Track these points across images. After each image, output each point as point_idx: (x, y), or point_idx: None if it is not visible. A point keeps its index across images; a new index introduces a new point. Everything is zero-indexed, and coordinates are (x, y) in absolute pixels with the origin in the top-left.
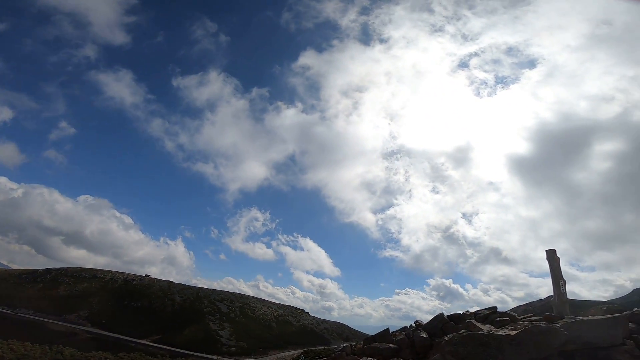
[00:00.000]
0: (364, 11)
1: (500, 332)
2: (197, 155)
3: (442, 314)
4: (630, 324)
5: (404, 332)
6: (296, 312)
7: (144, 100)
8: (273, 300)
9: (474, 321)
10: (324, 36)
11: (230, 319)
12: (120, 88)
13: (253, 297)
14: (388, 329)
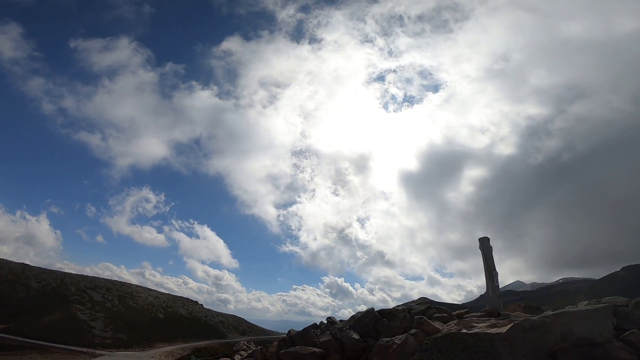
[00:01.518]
0: (305, 9)
1: (487, 331)
2: (82, 123)
3: (373, 309)
4: None
5: (328, 332)
6: (188, 304)
7: (28, 57)
8: (162, 290)
9: (424, 317)
10: (255, 25)
11: (105, 308)
12: (2, 41)
13: (137, 286)
14: (309, 328)
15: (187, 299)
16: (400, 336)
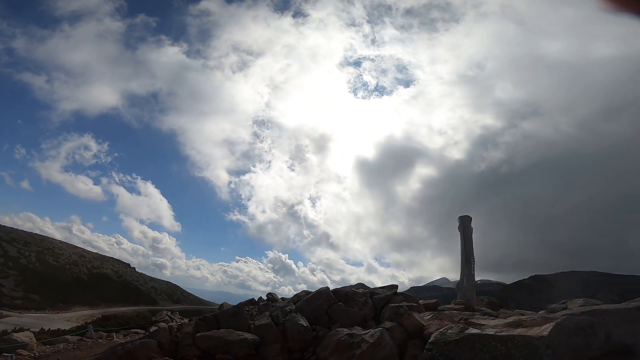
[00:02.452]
0: None
1: (527, 333)
2: (28, 64)
3: (327, 288)
4: None
5: (268, 314)
6: (118, 266)
7: None
8: (89, 248)
9: (404, 307)
10: None
11: (19, 265)
12: None
13: (60, 242)
14: (243, 305)
15: (119, 261)
16: (372, 331)
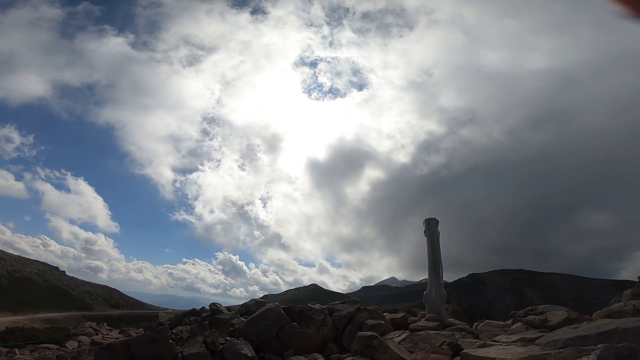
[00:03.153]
0: None
1: None
2: None
3: (278, 307)
4: None
5: (202, 339)
6: (45, 269)
7: None
8: (10, 250)
9: (378, 337)
10: None
11: None
12: None
13: None
14: (165, 331)
15: (45, 264)
16: None
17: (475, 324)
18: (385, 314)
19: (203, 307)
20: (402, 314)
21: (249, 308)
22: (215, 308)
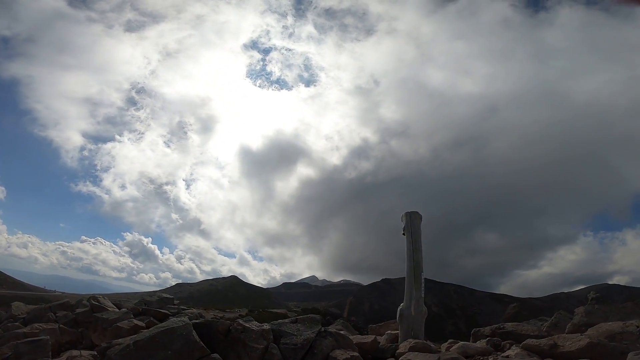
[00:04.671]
0: None
1: None
2: None
3: (189, 325)
4: None
5: None
6: None
7: None
8: None
9: None
10: None
11: None
12: None
13: None
14: None
15: None
16: None
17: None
18: (342, 331)
19: (82, 300)
20: (372, 338)
21: (150, 306)
22: (96, 303)
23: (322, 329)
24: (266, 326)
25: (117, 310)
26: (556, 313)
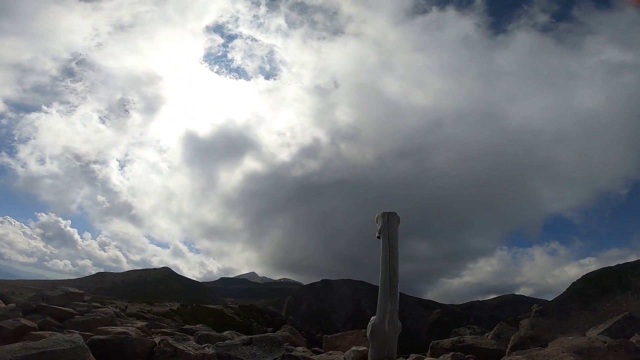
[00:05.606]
0: None
1: None
2: None
3: (84, 348)
4: None
5: None
6: None
7: None
8: None
9: None
10: None
11: None
12: None
13: None
14: None
15: None
16: None
17: None
18: (302, 350)
19: None
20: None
21: (49, 302)
22: None
23: (286, 354)
24: (209, 350)
25: (3, 305)
26: (498, 324)
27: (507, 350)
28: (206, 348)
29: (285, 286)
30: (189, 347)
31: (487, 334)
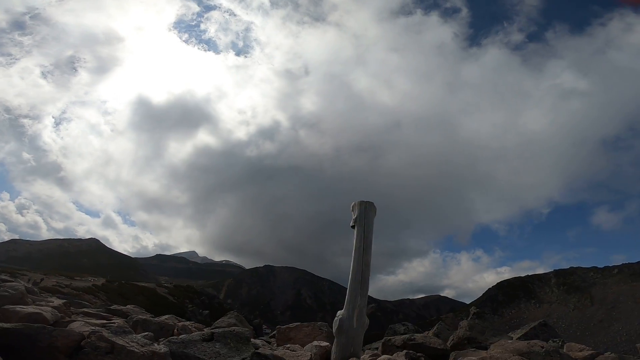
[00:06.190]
0: None
1: None
2: None
3: None
4: None
5: None
6: None
7: None
8: None
9: None
10: None
11: None
12: None
13: None
14: None
15: None
16: None
17: None
18: (261, 342)
19: None
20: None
21: None
22: None
23: (254, 351)
24: (160, 347)
25: None
26: (437, 324)
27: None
28: (156, 345)
29: (227, 269)
30: (132, 342)
31: (427, 332)
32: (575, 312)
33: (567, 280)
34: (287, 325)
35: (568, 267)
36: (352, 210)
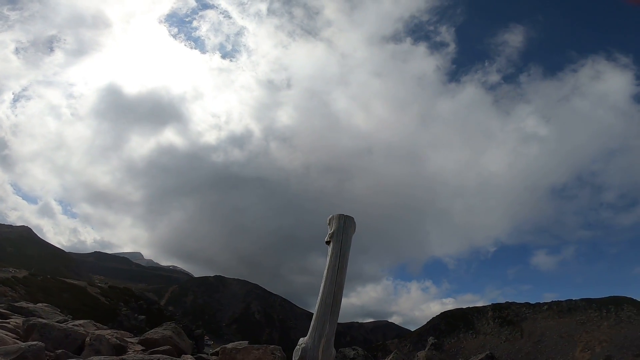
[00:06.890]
0: None
1: None
2: None
3: None
4: None
5: None
6: None
7: None
8: None
9: None
10: None
11: None
12: None
13: None
14: None
15: None
16: None
17: None
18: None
19: None
20: None
21: None
22: None
23: None
24: None
25: None
26: (393, 352)
27: None
28: None
29: (173, 274)
30: None
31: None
32: (506, 343)
33: (502, 313)
34: (233, 345)
35: (504, 301)
36: (329, 224)
